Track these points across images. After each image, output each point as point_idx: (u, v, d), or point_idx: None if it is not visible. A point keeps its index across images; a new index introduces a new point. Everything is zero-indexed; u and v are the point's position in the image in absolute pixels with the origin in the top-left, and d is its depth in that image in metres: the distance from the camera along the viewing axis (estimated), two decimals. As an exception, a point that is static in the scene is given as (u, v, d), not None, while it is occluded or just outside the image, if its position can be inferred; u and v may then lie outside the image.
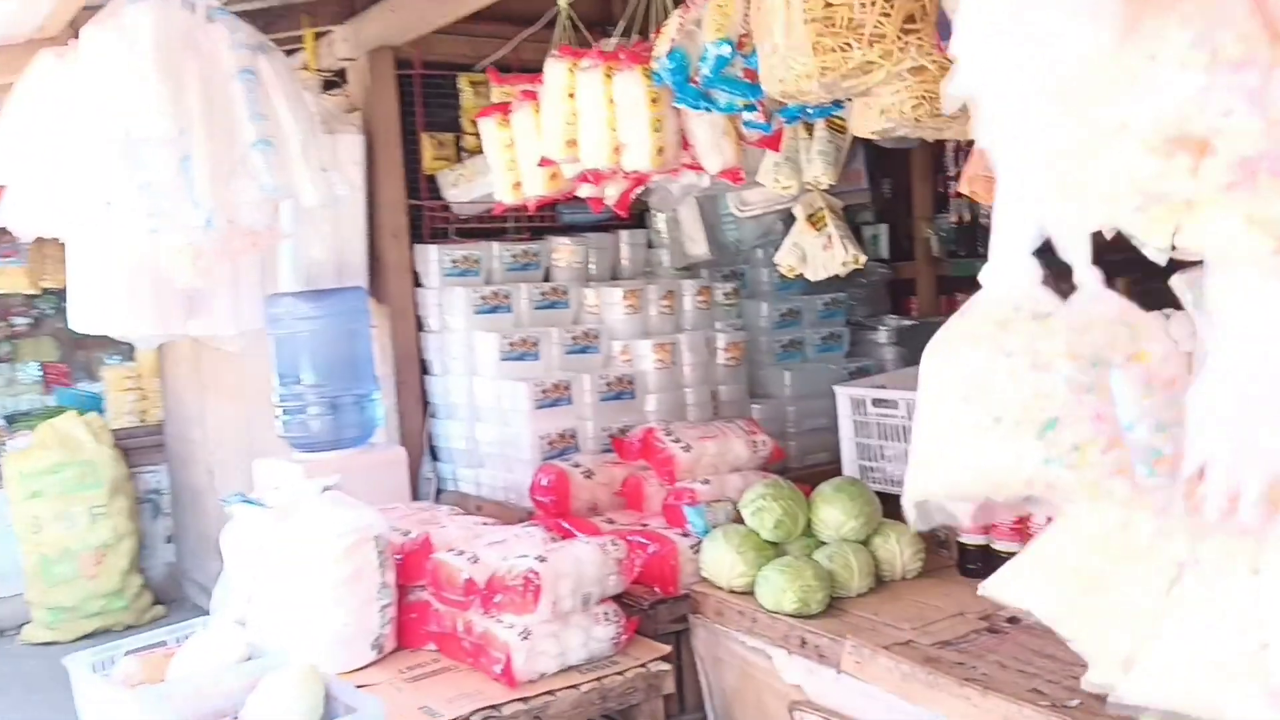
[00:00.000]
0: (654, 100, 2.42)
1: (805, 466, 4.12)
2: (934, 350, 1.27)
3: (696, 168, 2.56)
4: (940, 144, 4.53)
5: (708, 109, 2.27)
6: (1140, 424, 1.11)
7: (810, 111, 2.28)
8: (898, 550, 3.07)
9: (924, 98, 1.73)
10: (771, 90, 1.76)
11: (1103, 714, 2.21)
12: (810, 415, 4.33)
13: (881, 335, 4.67)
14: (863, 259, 3.12)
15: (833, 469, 3.98)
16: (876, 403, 3.33)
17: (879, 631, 2.73)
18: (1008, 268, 1.27)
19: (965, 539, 3.10)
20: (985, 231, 5.01)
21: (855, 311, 4.80)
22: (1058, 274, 1.30)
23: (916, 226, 5.11)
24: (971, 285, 4.94)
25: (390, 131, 4.05)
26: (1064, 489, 1.10)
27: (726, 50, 2.08)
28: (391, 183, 4.05)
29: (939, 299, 5.26)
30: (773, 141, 2.50)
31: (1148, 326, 1.19)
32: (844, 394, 3.44)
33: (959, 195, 3.06)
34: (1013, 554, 2.94)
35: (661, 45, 2.28)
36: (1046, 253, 1.29)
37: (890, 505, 3.31)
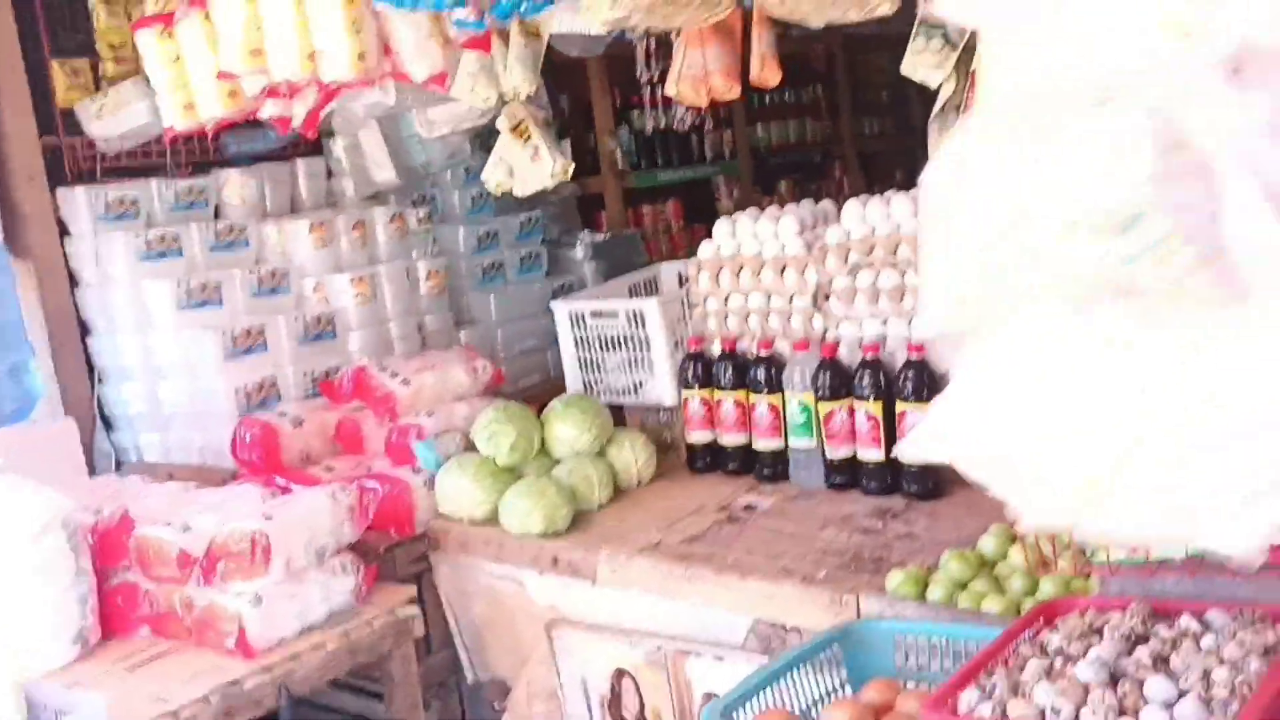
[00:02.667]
0: None
1: (521, 389, 4.06)
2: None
3: (400, 76, 2.37)
4: (620, 55, 4.49)
5: (414, 6, 2.09)
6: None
7: (524, 9, 2.16)
8: (633, 458, 3.09)
9: (657, -19, 1.67)
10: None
11: (849, 580, 2.34)
12: (519, 337, 4.26)
13: (578, 251, 4.65)
14: (571, 167, 3.05)
15: (548, 390, 3.94)
16: (595, 314, 3.31)
17: (628, 539, 2.74)
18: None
19: (692, 437, 3.17)
20: (672, 140, 5.06)
21: (549, 230, 4.75)
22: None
23: (599, 140, 5.11)
24: (654, 196, 4.99)
25: (11, 59, 3.48)
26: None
27: (434, -61, 1.91)
28: (19, 119, 3.49)
29: (627, 211, 5.32)
30: (483, 42, 2.36)
31: None
32: (563, 309, 3.39)
33: (664, 102, 3.06)
34: (738, 447, 3.08)
35: (356, -64, 2.06)
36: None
37: (618, 416, 3.33)
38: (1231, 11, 0.97)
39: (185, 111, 2.63)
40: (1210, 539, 1.04)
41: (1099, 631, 1.54)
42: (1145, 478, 1.02)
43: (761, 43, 2.55)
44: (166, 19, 2.71)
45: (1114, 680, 1.39)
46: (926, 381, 2.66)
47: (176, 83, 2.60)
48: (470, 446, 3.08)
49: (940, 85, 2.35)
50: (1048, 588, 1.96)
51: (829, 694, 1.82)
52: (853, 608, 2.17)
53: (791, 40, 4.40)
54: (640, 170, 5.48)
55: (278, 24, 2.27)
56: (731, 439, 3.08)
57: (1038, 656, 1.50)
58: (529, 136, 2.96)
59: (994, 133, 1.03)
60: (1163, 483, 1.01)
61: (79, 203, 3.52)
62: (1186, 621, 1.49)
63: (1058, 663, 1.48)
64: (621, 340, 3.29)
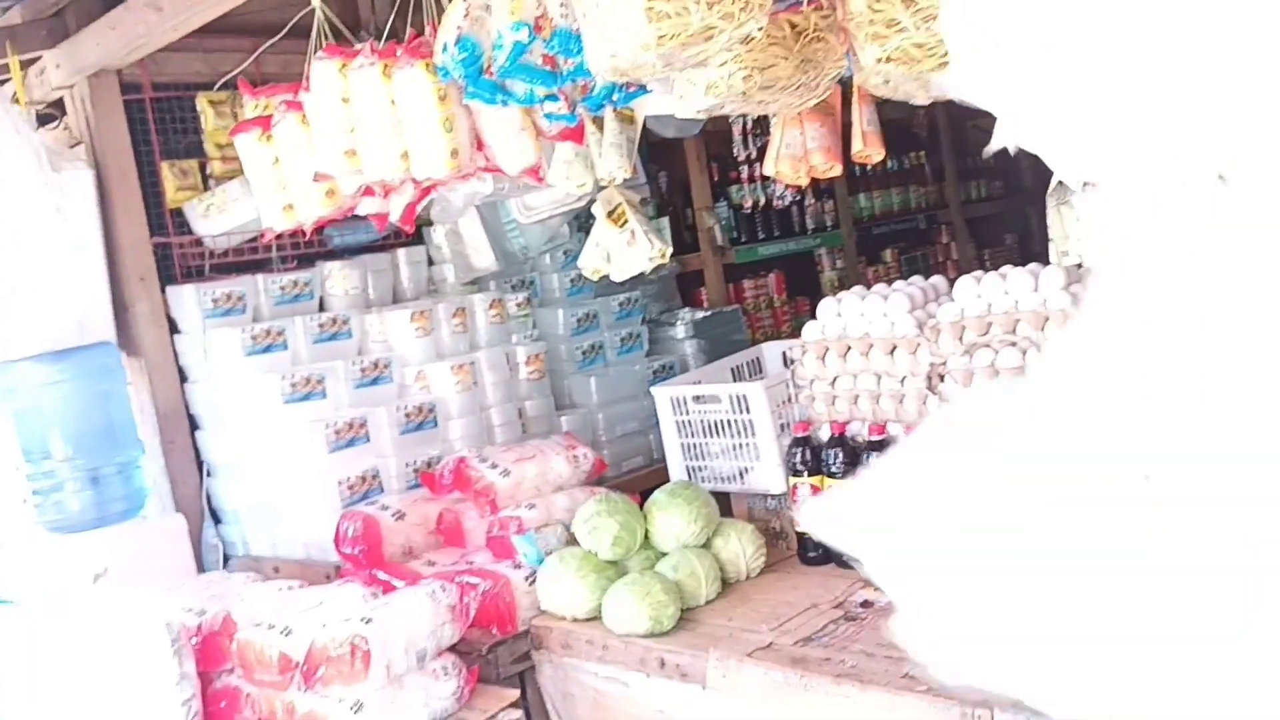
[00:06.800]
0: (442, 98, 2.19)
1: (624, 474, 3.98)
2: None
3: (493, 169, 2.34)
4: (717, 131, 4.47)
5: (505, 102, 2.06)
6: None
7: (616, 99, 2.11)
8: (740, 550, 2.96)
9: (754, 69, 1.60)
10: (601, 70, 1.58)
11: (977, 693, 2.17)
12: (620, 420, 4.19)
13: (679, 330, 4.59)
14: (669, 251, 2.98)
15: (652, 473, 3.86)
16: (697, 399, 3.21)
17: (737, 639, 2.60)
18: None
19: (803, 528, 3.02)
20: (772, 213, 4.96)
21: (649, 309, 4.70)
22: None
23: (698, 217, 5.06)
24: (755, 270, 4.86)
25: (123, 163, 3.59)
26: None
27: (524, 34, 1.88)
28: (131, 220, 3.59)
29: (727, 287, 5.24)
30: (576, 133, 2.32)
31: None
32: (663, 394, 3.30)
33: (762, 178, 2.97)
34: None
35: (446, 34, 2.04)
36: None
37: (724, 503, 3.21)
38: None
39: (285, 212, 2.65)
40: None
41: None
42: None
43: (863, 119, 2.46)
44: (264, 122, 2.74)
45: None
46: (1054, 468, 2.48)
47: (275, 185, 2.62)
48: (572, 540, 2.99)
49: (1057, 156, 2.20)
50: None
51: (965, 829, 1.65)
52: (986, 724, 2.00)
53: (891, 107, 4.30)
54: (740, 244, 5.40)
55: (371, 124, 2.27)
56: (844, 528, 2.93)
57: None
58: (625, 221, 2.90)
59: None
60: None
61: (187, 300, 3.58)
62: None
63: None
64: (725, 425, 3.17)
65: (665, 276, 4.95)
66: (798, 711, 2.33)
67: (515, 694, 2.69)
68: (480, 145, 2.32)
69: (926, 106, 7.15)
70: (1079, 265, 2.38)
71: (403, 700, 2.50)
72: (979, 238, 7.00)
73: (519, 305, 4.11)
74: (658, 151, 5.13)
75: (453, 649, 2.67)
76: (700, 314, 4.75)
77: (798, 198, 3.25)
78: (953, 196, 6.92)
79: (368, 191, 2.49)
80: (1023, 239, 7.07)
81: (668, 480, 3.22)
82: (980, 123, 8.00)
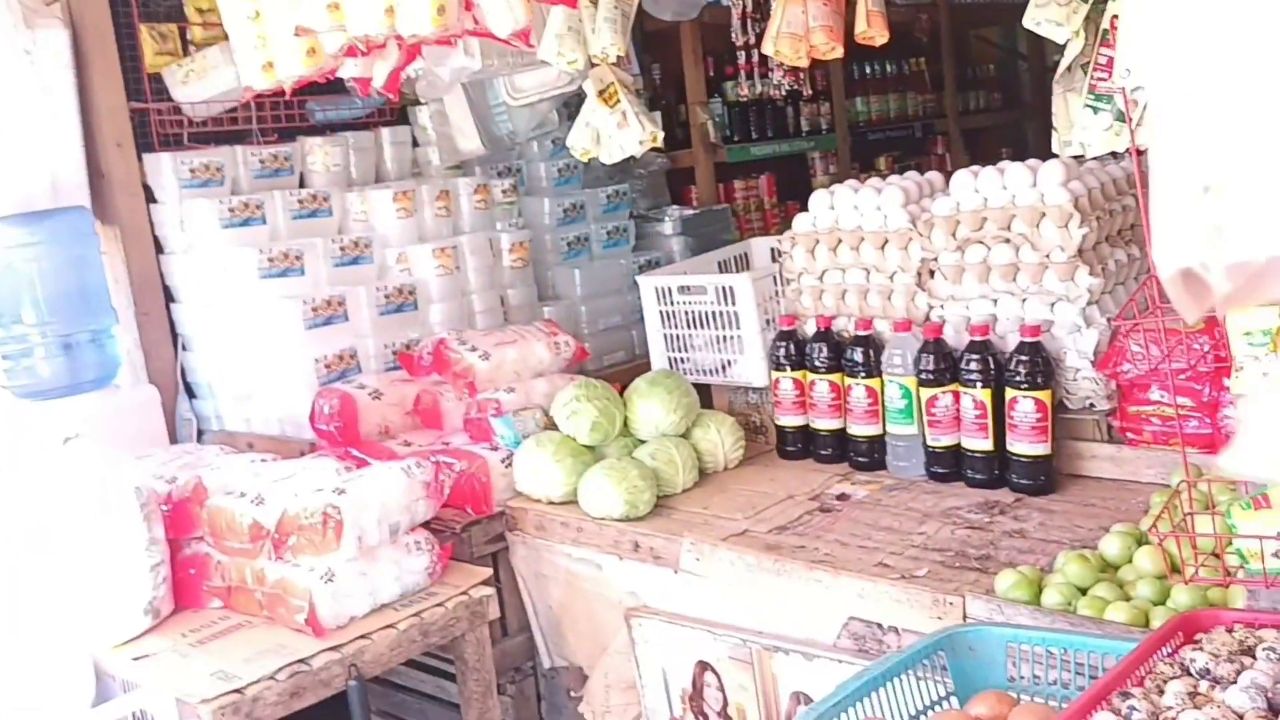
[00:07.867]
0: (429, -52, 2.09)
1: (605, 367, 3.94)
2: None
3: (482, 33, 2.25)
4: (713, 23, 4.32)
5: (495, -46, 1.97)
6: None
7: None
8: (719, 440, 2.94)
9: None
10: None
11: (953, 579, 2.17)
12: (603, 314, 4.14)
13: (666, 226, 4.51)
14: (660, 134, 2.90)
15: (633, 368, 3.82)
16: (683, 290, 3.16)
17: (712, 525, 2.60)
18: None
19: (782, 420, 3.01)
20: (766, 113, 4.86)
21: (636, 204, 4.61)
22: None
23: (691, 112, 4.95)
24: (747, 171, 4.78)
25: (101, 24, 3.45)
26: None
27: (518, -123, 1.78)
28: (108, 84, 3.47)
29: (718, 187, 5.15)
30: (569, -5, 2.23)
31: None
32: (648, 284, 3.25)
33: (760, 69, 2.87)
34: (831, 432, 2.91)
35: (436, -124, 1.94)
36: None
37: (705, 396, 3.18)
38: None
39: (264, 70, 2.55)
40: None
41: (1250, 652, 1.35)
42: None
43: (869, -2, 2.37)
44: (245, -27, 2.63)
45: (1273, 711, 1.21)
46: (1041, 367, 2.46)
47: (255, 40, 2.52)
48: (550, 424, 2.96)
49: (1066, 42, 2.13)
50: (1181, 598, 1.76)
51: (933, 705, 1.65)
52: (958, 610, 2.00)
53: (895, 10, 4.17)
54: (733, 144, 5.30)
55: (356, -25, 2.17)
56: (824, 424, 2.91)
57: (1180, 677, 1.32)
58: (617, 101, 2.81)
59: None
60: None
61: (165, 169, 3.48)
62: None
63: (1203, 686, 1.30)
64: (710, 317, 3.13)
65: (654, 172, 4.86)
66: (770, 596, 2.33)
67: (488, 573, 2.69)
68: (469, 5, 2.23)
69: (930, 11, 6.93)
70: (1080, 157, 2.32)
71: (374, 572, 2.49)
72: (974, 150, 6.90)
73: (504, 192, 4.02)
74: (652, 43, 4.99)
75: (427, 526, 2.66)
76: (689, 211, 4.67)
77: (795, 86, 3.17)
78: (951, 106, 6.80)
79: (351, 52, 2.40)
80: (1019, 154, 6.97)
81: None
82: (983, 32, 7.86)
